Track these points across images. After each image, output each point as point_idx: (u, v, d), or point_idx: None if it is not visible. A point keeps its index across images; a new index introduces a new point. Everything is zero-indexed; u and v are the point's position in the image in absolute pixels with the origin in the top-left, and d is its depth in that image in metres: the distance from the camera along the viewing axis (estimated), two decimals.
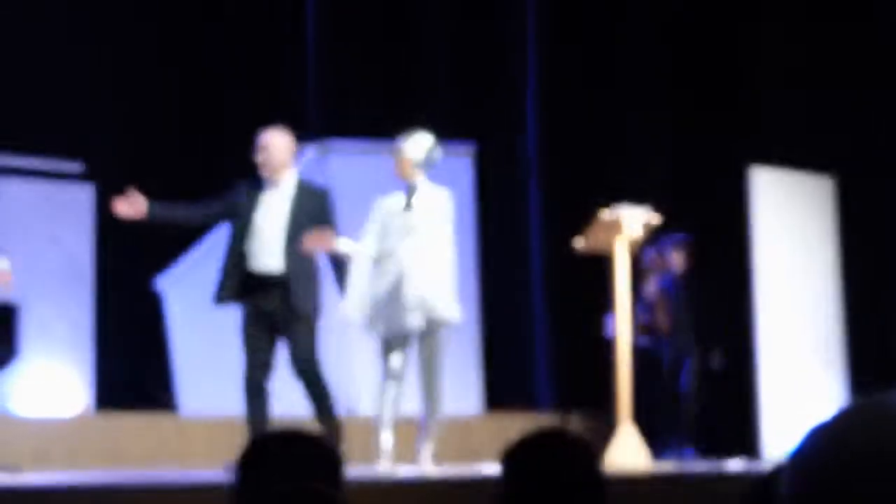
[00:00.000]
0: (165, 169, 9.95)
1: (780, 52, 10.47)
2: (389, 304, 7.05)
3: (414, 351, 7.12)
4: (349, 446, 6.25)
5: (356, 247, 7.10)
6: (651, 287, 9.55)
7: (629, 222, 8.06)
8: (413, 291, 6.97)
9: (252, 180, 7.09)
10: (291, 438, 2.51)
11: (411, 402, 7.21)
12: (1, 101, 9.90)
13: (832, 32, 10.25)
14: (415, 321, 6.99)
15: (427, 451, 7.04)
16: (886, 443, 1.37)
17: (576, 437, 2.76)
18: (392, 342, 7.11)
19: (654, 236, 8.57)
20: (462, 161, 10.13)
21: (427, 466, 6.96)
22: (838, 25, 10.27)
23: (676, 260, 9.61)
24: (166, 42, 10.79)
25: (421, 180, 7.17)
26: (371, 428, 7.17)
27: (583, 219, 8.43)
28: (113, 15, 10.74)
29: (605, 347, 9.51)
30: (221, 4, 11.22)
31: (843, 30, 10.25)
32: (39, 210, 9.48)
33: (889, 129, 9.86)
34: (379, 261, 7.13)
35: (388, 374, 7.10)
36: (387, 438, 7.06)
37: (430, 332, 7.04)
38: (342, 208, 9.64)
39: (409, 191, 7.17)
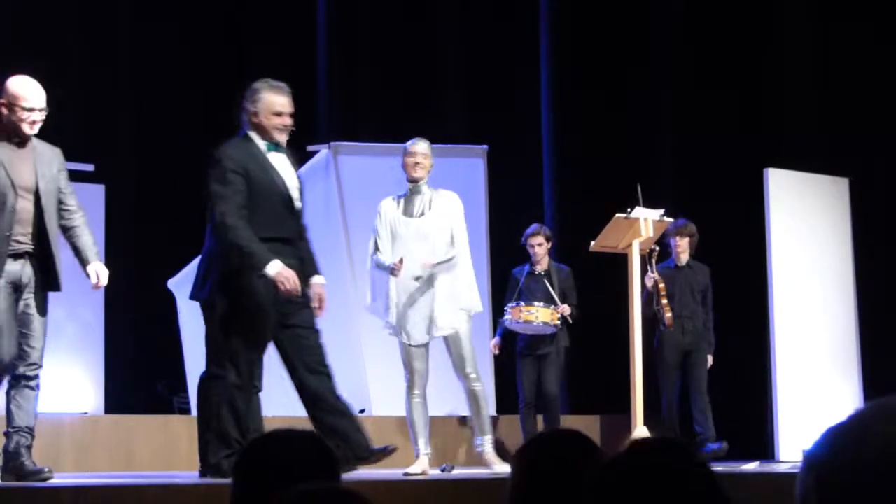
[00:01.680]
0: (175, 171, 9.98)
1: (799, 59, 10.44)
2: (411, 312, 7.09)
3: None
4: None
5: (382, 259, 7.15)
6: (649, 278, 8.99)
7: (644, 224, 8.06)
8: (432, 302, 7.08)
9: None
10: (289, 438, 2.47)
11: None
12: None
13: (851, 39, 10.24)
14: (426, 333, 7.12)
15: (488, 446, 7.31)
16: None
17: (583, 437, 2.72)
18: (413, 349, 7.14)
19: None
20: (475, 162, 10.14)
21: (495, 463, 7.26)
22: (856, 30, 10.25)
23: (680, 246, 9.28)
24: (178, 48, 10.83)
25: (427, 182, 7.20)
26: (381, 426, 7.15)
27: (595, 219, 8.40)
28: (129, 23, 10.83)
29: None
30: (235, 11, 11.24)
31: (860, 36, 10.23)
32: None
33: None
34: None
35: (414, 380, 7.14)
36: (424, 444, 7.19)
37: (451, 339, 7.18)
38: (353, 209, 9.64)
39: (414, 192, 7.17)
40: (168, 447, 8.42)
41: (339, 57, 11.12)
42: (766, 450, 9.34)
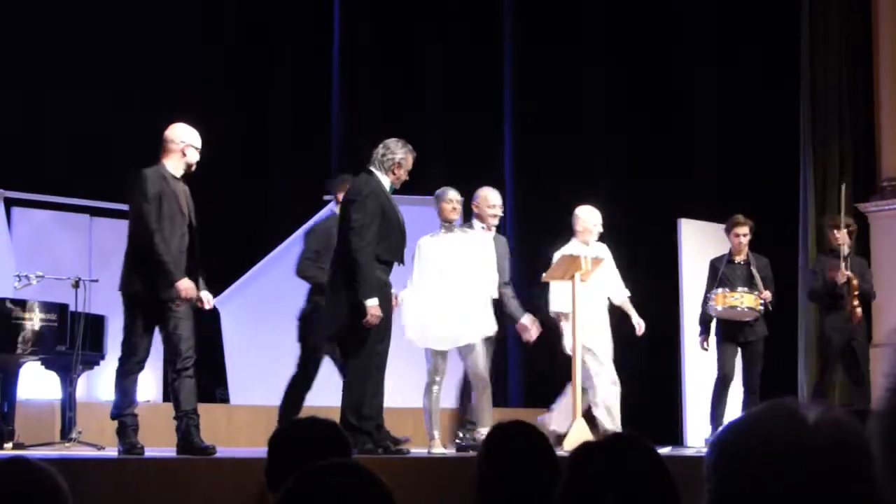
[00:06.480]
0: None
1: (706, 139, 10.56)
2: None
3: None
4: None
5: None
6: (842, 274, 8.01)
7: (585, 259, 8.03)
8: None
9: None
10: (311, 424, 2.48)
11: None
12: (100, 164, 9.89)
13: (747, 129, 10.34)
14: None
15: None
16: (783, 433, 1.40)
17: (534, 428, 2.74)
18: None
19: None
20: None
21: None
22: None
23: (839, 238, 8.14)
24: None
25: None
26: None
27: (549, 255, 8.39)
28: (154, 73, 10.48)
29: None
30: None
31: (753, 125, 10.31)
32: (122, 241, 9.45)
33: (785, 197, 9.87)
34: None
35: None
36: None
37: None
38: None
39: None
40: (211, 429, 8.35)
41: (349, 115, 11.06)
42: (676, 437, 9.34)
